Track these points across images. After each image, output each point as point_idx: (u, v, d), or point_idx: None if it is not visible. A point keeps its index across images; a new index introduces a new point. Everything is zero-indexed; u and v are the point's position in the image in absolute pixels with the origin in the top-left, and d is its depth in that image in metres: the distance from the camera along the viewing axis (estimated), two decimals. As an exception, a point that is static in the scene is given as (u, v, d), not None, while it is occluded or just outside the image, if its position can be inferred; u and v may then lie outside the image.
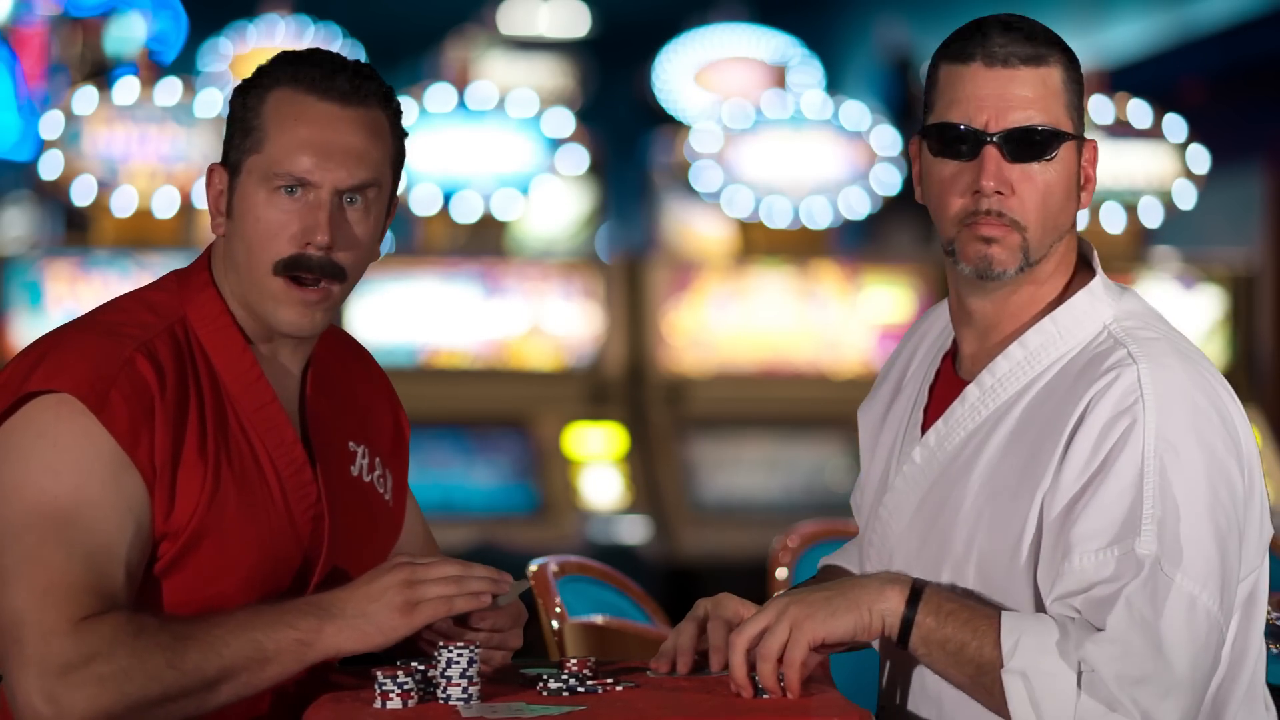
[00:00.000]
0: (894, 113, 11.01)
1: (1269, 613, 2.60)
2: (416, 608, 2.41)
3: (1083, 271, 2.61)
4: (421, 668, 2.37)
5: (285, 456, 2.57)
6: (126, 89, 8.44)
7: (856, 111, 9.24)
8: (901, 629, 2.41)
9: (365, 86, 2.56)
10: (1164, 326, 2.55)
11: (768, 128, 9.18)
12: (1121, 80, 9.76)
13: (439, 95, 8.80)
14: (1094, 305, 2.55)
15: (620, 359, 8.78)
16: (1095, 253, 2.63)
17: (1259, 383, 9.94)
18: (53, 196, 9.49)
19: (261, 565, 2.53)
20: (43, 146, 8.41)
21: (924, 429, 2.63)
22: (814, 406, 8.93)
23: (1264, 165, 11.77)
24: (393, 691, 2.33)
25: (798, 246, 9.09)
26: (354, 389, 2.74)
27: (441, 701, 2.35)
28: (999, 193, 2.53)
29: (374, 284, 8.29)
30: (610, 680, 2.45)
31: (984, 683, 2.38)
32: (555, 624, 3.20)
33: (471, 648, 2.37)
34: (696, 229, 11.19)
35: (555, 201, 10.48)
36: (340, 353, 2.75)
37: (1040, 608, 2.44)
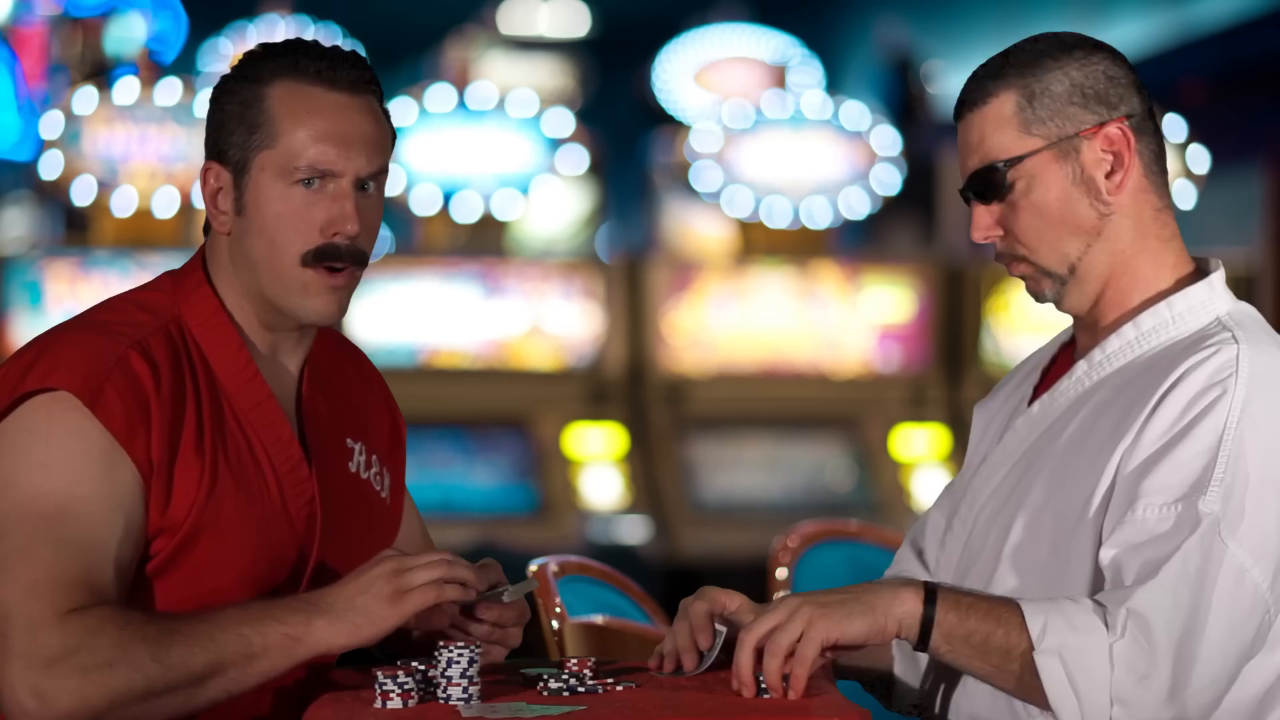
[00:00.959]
0: (894, 113, 11.00)
1: None
2: (405, 596, 2.40)
3: (1201, 275, 2.63)
4: (421, 668, 2.37)
5: (282, 453, 2.57)
6: (126, 89, 8.44)
7: (856, 111, 9.24)
8: (921, 629, 2.41)
9: (365, 74, 2.59)
10: (1274, 332, 2.59)
11: (768, 128, 9.18)
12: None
13: (439, 95, 8.80)
14: (1211, 297, 2.59)
15: (620, 359, 8.78)
16: (1220, 262, 2.66)
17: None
18: (53, 196, 9.48)
19: (258, 561, 2.53)
20: (43, 146, 8.41)
21: (1031, 404, 2.66)
22: (814, 406, 8.94)
23: (1264, 165, 11.76)
24: (393, 691, 2.33)
25: (798, 246, 9.09)
26: (350, 388, 2.75)
27: (441, 701, 2.35)
28: (992, 238, 2.59)
29: (374, 284, 8.29)
30: (610, 680, 2.45)
31: (1012, 670, 2.39)
32: (555, 624, 3.20)
33: (472, 648, 2.37)
34: (696, 229, 11.19)
35: (555, 201, 10.48)
36: (336, 353, 2.76)
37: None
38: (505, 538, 7.85)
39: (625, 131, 12.81)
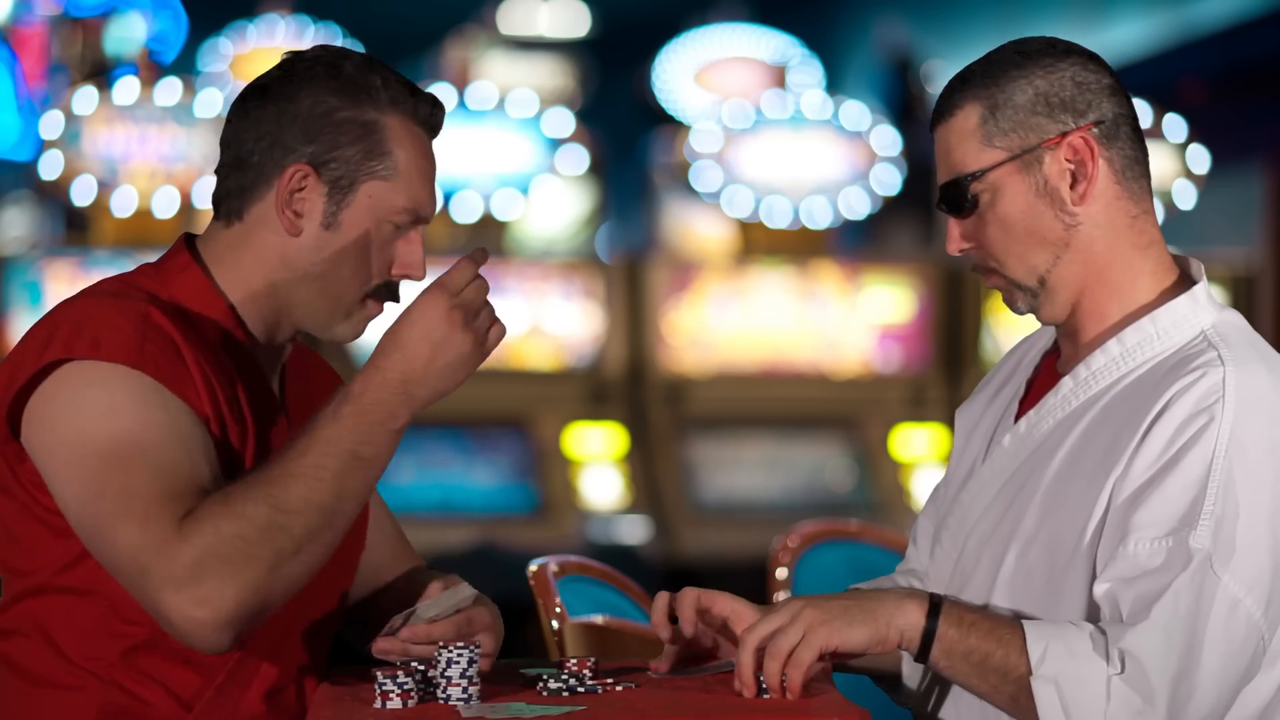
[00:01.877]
0: (894, 113, 11.00)
1: None
2: (486, 337, 2.43)
3: (1184, 283, 2.60)
4: (421, 668, 2.37)
5: (273, 429, 2.57)
6: (126, 89, 8.44)
7: (856, 111, 9.24)
8: (922, 642, 2.41)
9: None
10: (1262, 343, 2.56)
11: (768, 128, 9.18)
12: (1121, 80, 9.75)
13: (439, 95, 8.79)
14: (1195, 310, 2.55)
15: (620, 359, 8.78)
16: (1201, 267, 2.62)
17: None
18: (53, 196, 9.49)
19: None
20: (43, 146, 8.41)
21: (1017, 420, 2.64)
22: (814, 406, 8.94)
23: (1264, 165, 11.76)
24: (393, 691, 2.33)
25: (798, 246, 9.09)
26: (316, 386, 2.74)
27: (441, 701, 2.35)
28: (965, 251, 2.59)
29: (374, 284, 8.29)
30: (610, 680, 2.45)
31: (1009, 691, 2.38)
32: (555, 624, 3.20)
33: (471, 647, 2.37)
34: (696, 229, 11.19)
35: (555, 201, 10.48)
36: (298, 356, 2.74)
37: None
38: (505, 538, 7.85)
39: (625, 131, 12.81)
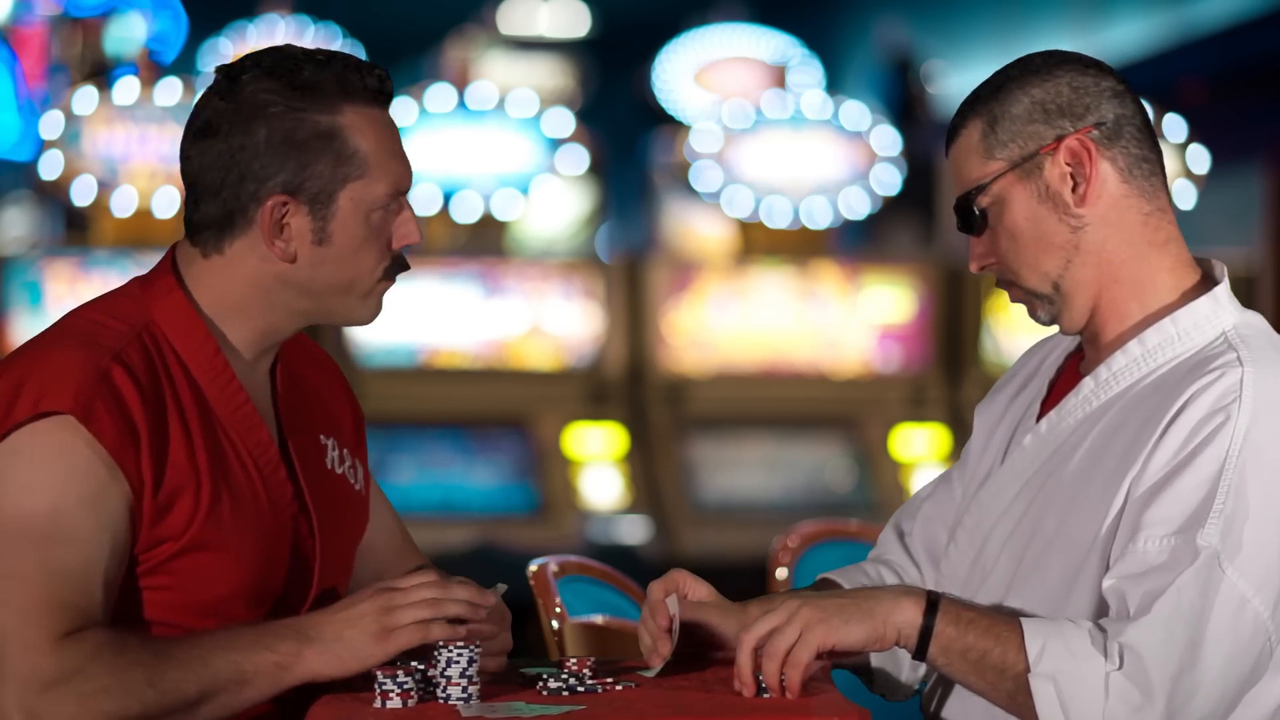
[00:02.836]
0: (894, 113, 11.00)
1: None
2: (391, 635, 2.39)
3: (1206, 284, 2.61)
4: (421, 667, 2.37)
5: (263, 456, 2.56)
6: (126, 89, 8.44)
7: (856, 111, 9.24)
8: (920, 639, 2.41)
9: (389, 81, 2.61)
10: None
11: (768, 128, 9.18)
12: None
13: (439, 95, 8.80)
14: (1217, 311, 2.56)
15: (620, 359, 8.78)
16: (1224, 268, 2.63)
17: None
18: (53, 196, 9.49)
19: (258, 568, 2.52)
20: (43, 146, 8.41)
21: (1038, 420, 2.64)
22: (814, 406, 8.94)
23: (1264, 165, 11.76)
24: (393, 691, 2.33)
25: (798, 246, 9.09)
26: (315, 382, 2.73)
27: (441, 701, 2.35)
28: (987, 267, 2.60)
29: (374, 284, 8.28)
30: (610, 680, 2.45)
31: (1007, 689, 2.38)
32: (555, 624, 3.20)
33: (471, 647, 2.37)
34: (696, 229, 11.20)
35: (555, 201, 10.48)
36: (296, 348, 2.73)
37: None
38: (505, 538, 7.85)
39: (625, 131, 12.81)
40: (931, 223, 10.17)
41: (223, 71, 2.55)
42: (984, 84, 2.60)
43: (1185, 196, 8.97)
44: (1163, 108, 9.04)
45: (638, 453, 8.64)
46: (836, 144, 9.19)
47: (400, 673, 2.34)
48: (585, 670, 2.45)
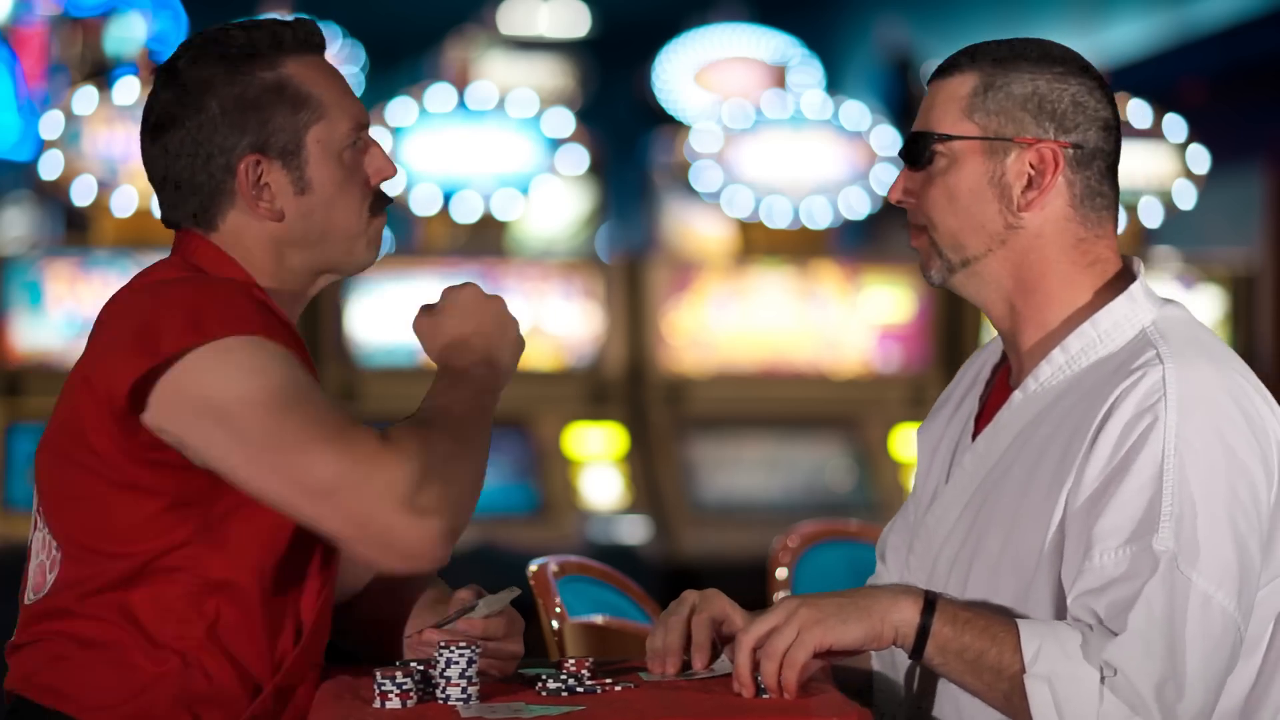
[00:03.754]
0: (894, 113, 11.00)
1: None
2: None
3: (1126, 280, 2.61)
4: (421, 668, 2.37)
5: None
6: (126, 89, 8.43)
7: (856, 111, 9.24)
8: (917, 638, 2.41)
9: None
10: (1205, 334, 2.57)
11: (768, 128, 9.18)
12: (1121, 80, 9.76)
13: (439, 95, 8.79)
14: (1134, 309, 2.56)
15: (620, 359, 8.78)
16: (1141, 263, 2.64)
17: (1259, 383, 9.92)
18: (53, 196, 9.48)
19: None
20: (43, 146, 8.40)
21: (974, 438, 2.64)
22: (814, 406, 8.93)
23: (1264, 165, 11.77)
24: (392, 691, 2.33)
25: (798, 246, 9.09)
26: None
27: (441, 701, 2.35)
28: (905, 203, 2.61)
29: (373, 284, 8.29)
30: (610, 680, 2.45)
31: (1002, 689, 2.38)
32: (555, 624, 3.20)
33: (472, 648, 2.37)
34: (696, 229, 11.19)
35: (555, 201, 10.48)
36: None
37: (1062, 605, 2.44)
38: (505, 538, 7.84)
39: (625, 131, 12.82)
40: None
41: (159, 68, 2.62)
42: (1000, 44, 2.61)
43: (1185, 196, 8.97)
44: (1163, 108, 9.04)
45: (638, 453, 8.63)
46: (836, 144, 9.18)
47: (400, 673, 2.34)
48: (585, 671, 2.45)
